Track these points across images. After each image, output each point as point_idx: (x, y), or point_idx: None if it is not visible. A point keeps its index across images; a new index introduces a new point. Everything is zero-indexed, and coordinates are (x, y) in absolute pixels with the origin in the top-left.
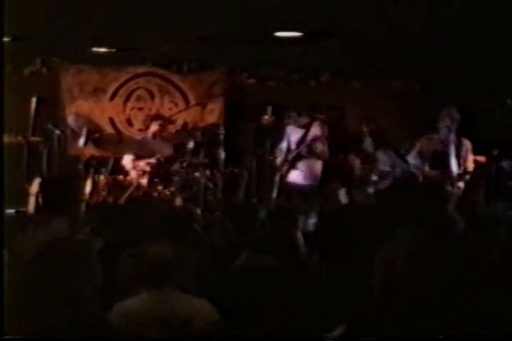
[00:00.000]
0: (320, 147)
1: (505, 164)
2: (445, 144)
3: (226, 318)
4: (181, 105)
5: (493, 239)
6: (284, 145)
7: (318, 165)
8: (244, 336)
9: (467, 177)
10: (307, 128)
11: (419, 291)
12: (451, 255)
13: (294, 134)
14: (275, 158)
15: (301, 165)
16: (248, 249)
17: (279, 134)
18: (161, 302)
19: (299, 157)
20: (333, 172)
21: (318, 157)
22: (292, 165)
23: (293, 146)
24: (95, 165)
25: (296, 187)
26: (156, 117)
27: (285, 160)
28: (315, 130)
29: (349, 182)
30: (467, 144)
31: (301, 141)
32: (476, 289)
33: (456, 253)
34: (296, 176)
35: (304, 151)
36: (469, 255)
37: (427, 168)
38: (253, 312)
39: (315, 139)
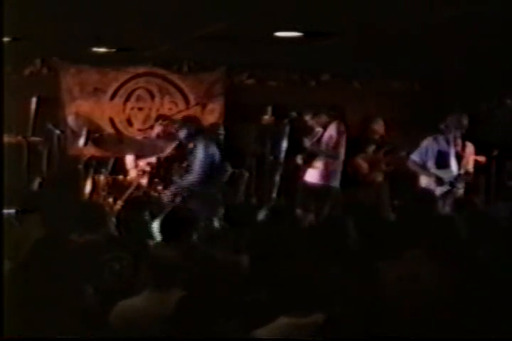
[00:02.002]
0: (335, 146)
1: (505, 164)
2: (449, 145)
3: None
4: (181, 105)
5: (493, 240)
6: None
7: (334, 165)
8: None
9: (468, 178)
10: (325, 127)
11: (418, 292)
12: (451, 255)
13: (317, 134)
14: (295, 156)
15: (316, 163)
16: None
17: (283, 133)
18: (162, 301)
19: (313, 155)
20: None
21: (332, 157)
22: (308, 164)
23: (309, 144)
24: (95, 165)
25: (311, 187)
26: (160, 118)
27: (304, 159)
28: (331, 130)
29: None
30: (470, 147)
31: (318, 139)
32: (474, 289)
33: (455, 253)
34: (311, 175)
35: (317, 150)
36: (469, 255)
37: (431, 167)
38: (251, 312)
39: (330, 139)
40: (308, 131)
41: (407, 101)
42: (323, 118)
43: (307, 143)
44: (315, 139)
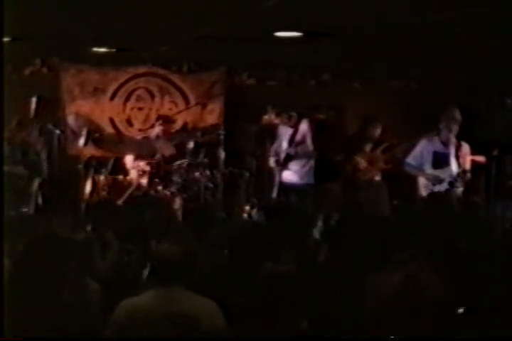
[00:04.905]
0: (309, 146)
1: (505, 164)
2: (445, 145)
3: (229, 316)
4: (181, 105)
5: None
6: (277, 145)
7: (310, 165)
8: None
9: (466, 177)
10: (296, 127)
11: (425, 293)
12: (452, 254)
13: (286, 134)
14: (269, 158)
15: (293, 165)
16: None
17: (274, 134)
18: (166, 299)
19: (290, 157)
20: (334, 173)
21: (307, 156)
22: (285, 166)
23: (285, 146)
24: (95, 165)
25: (292, 187)
26: (159, 118)
27: (278, 160)
28: (303, 129)
29: (351, 182)
30: (466, 146)
31: (291, 140)
32: (474, 287)
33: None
34: (290, 176)
35: (293, 151)
36: (469, 254)
37: (428, 168)
38: (253, 311)
39: (303, 138)
40: (273, 130)
41: (407, 100)
42: (293, 118)
43: (280, 144)
44: (287, 140)
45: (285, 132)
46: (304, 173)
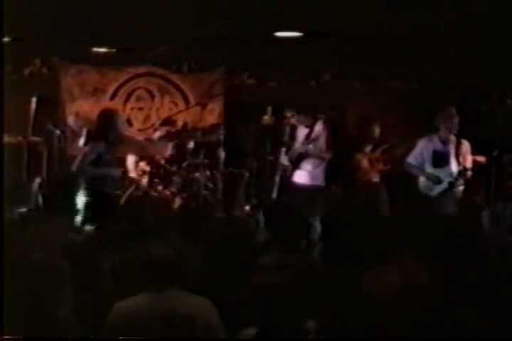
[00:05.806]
0: (323, 147)
1: (505, 164)
2: (444, 144)
3: (224, 316)
4: (181, 105)
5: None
6: (295, 144)
7: (322, 166)
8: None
9: (467, 176)
10: (311, 127)
11: (424, 293)
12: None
13: (301, 133)
14: (280, 157)
15: (306, 165)
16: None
17: (282, 133)
18: (161, 301)
19: (302, 157)
20: (337, 174)
21: (320, 157)
22: (297, 165)
23: (298, 146)
24: None
25: (301, 188)
26: (164, 121)
27: (291, 160)
28: (318, 130)
29: (354, 183)
30: (466, 144)
31: (306, 140)
32: (475, 288)
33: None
34: (301, 176)
35: (306, 151)
36: (469, 254)
37: (428, 167)
38: (250, 311)
39: (317, 139)
40: (292, 129)
41: (407, 101)
42: (309, 118)
43: (295, 143)
44: (302, 140)
45: (301, 132)
46: (316, 174)
